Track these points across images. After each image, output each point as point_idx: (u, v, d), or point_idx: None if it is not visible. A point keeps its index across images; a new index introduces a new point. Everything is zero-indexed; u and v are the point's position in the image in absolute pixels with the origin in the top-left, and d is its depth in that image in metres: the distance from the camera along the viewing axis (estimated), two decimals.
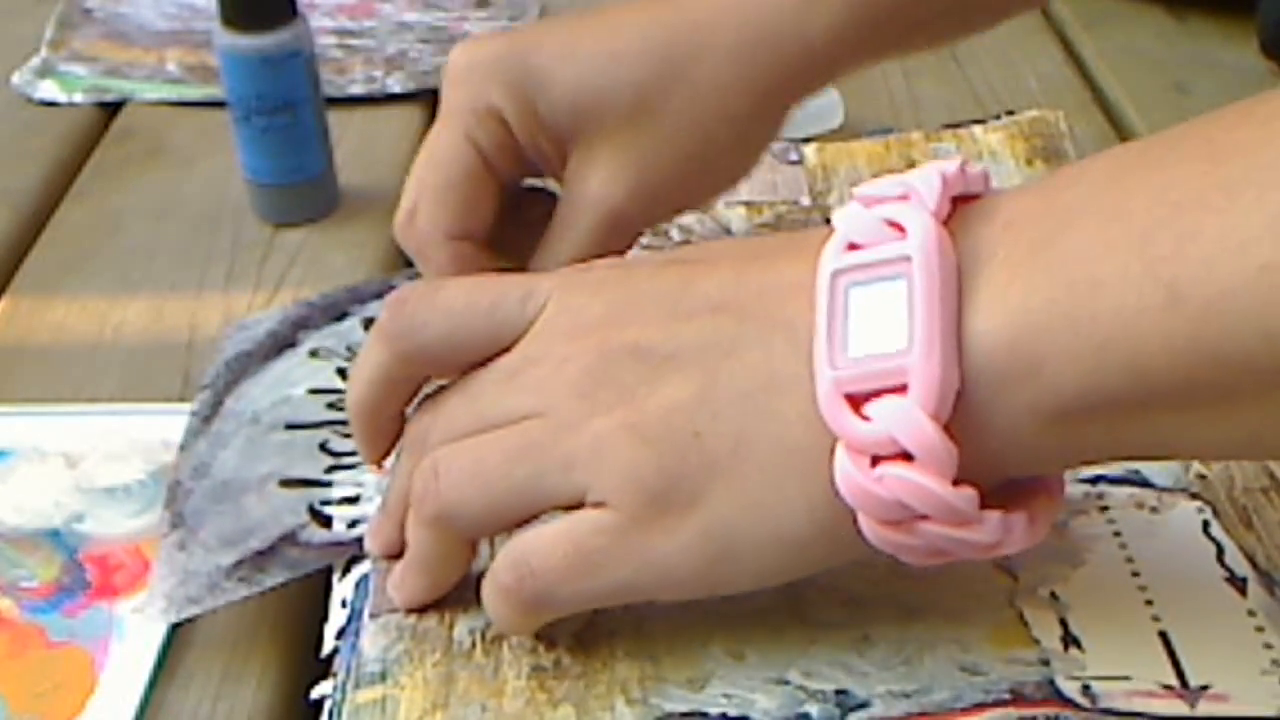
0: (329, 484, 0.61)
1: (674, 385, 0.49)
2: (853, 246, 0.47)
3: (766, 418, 0.47)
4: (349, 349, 0.69)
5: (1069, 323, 0.43)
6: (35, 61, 0.99)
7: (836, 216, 0.48)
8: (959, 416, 0.45)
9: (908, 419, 0.44)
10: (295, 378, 0.67)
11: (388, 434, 0.56)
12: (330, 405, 0.65)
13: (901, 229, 0.46)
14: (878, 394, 0.45)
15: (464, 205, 0.62)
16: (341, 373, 0.67)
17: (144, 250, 0.81)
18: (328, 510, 0.59)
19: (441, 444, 0.52)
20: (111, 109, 0.95)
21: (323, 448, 0.63)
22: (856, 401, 0.45)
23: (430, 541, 0.53)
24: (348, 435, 0.61)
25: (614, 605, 0.51)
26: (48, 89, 0.97)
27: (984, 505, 0.46)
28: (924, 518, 0.46)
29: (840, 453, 0.46)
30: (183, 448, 0.63)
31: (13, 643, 0.57)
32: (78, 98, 0.96)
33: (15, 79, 0.97)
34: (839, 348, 0.46)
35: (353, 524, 0.59)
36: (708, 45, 0.62)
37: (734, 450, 0.48)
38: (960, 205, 0.47)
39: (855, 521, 0.47)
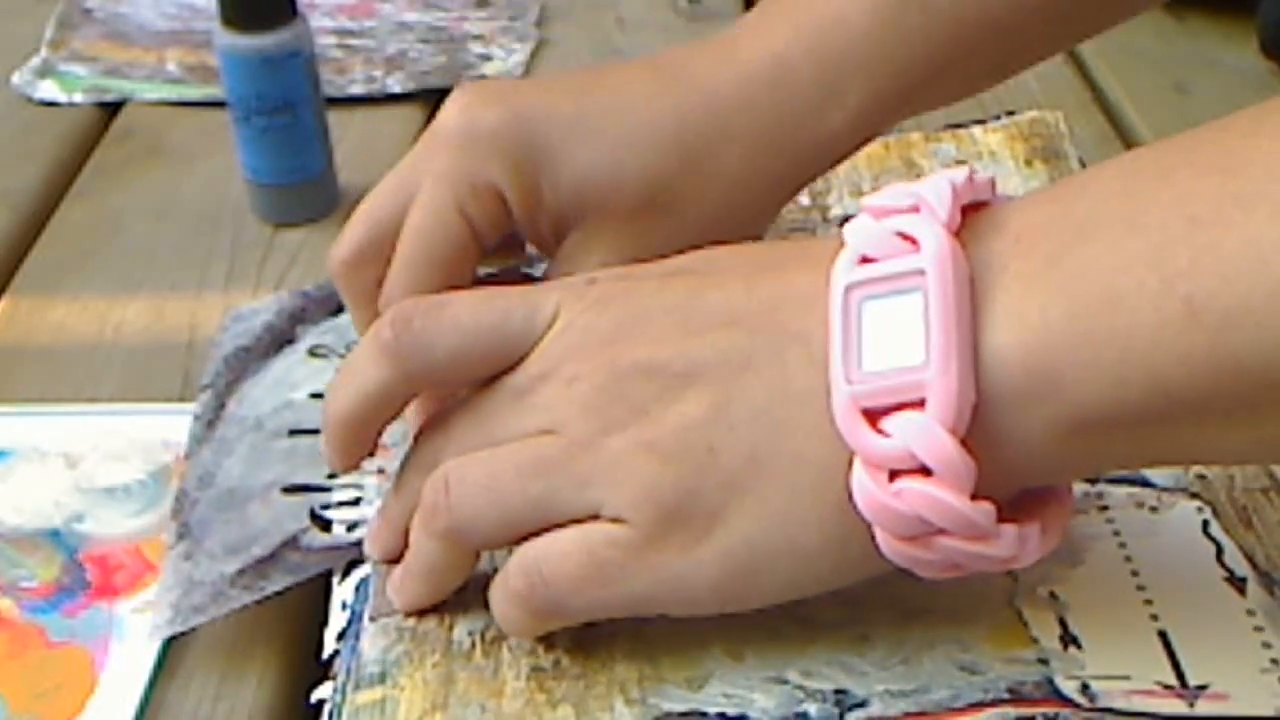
0: (329, 489, 0.61)
1: (688, 402, 0.48)
2: (865, 260, 0.47)
3: (782, 432, 0.47)
4: (348, 347, 0.69)
5: (1087, 338, 0.43)
6: (35, 61, 0.99)
7: (847, 229, 0.48)
8: (976, 431, 0.45)
9: (926, 434, 0.44)
10: (296, 378, 0.67)
11: (366, 446, 0.55)
12: None
13: (914, 241, 0.46)
14: (894, 409, 0.45)
15: (444, 281, 0.58)
16: None
17: (144, 250, 0.81)
18: (328, 514, 0.59)
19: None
20: (111, 109, 0.95)
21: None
22: (873, 416, 0.45)
23: (438, 553, 0.52)
24: None
25: (625, 616, 0.51)
26: (48, 89, 0.97)
27: (999, 518, 0.46)
28: (942, 532, 0.46)
29: (858, 467, 0.46)
30: (187, 455, 0.63)
31: (13, 643, 0.57)
32: (78, 98, 0.96)
33: (15, 79, 0.97)
34: (854, 362, 0.46)
35: (352, 527, 0.59)
36: (724, 136, 0.59)
37: (750, 466, 0.48)
38: (970, 214, 0.47)
39: (870, 536, 0.47)
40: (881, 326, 0.46)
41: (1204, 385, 0.43)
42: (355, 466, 0.56)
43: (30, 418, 0.68)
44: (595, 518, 0.49)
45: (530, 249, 0.64)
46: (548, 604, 0.50)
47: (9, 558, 0.60)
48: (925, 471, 0.45)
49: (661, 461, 0.48)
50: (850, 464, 0.46)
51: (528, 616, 0.51)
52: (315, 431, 0.63)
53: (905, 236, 0.46)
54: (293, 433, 0.64)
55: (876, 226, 0.47)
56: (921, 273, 0.45)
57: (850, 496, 0.46)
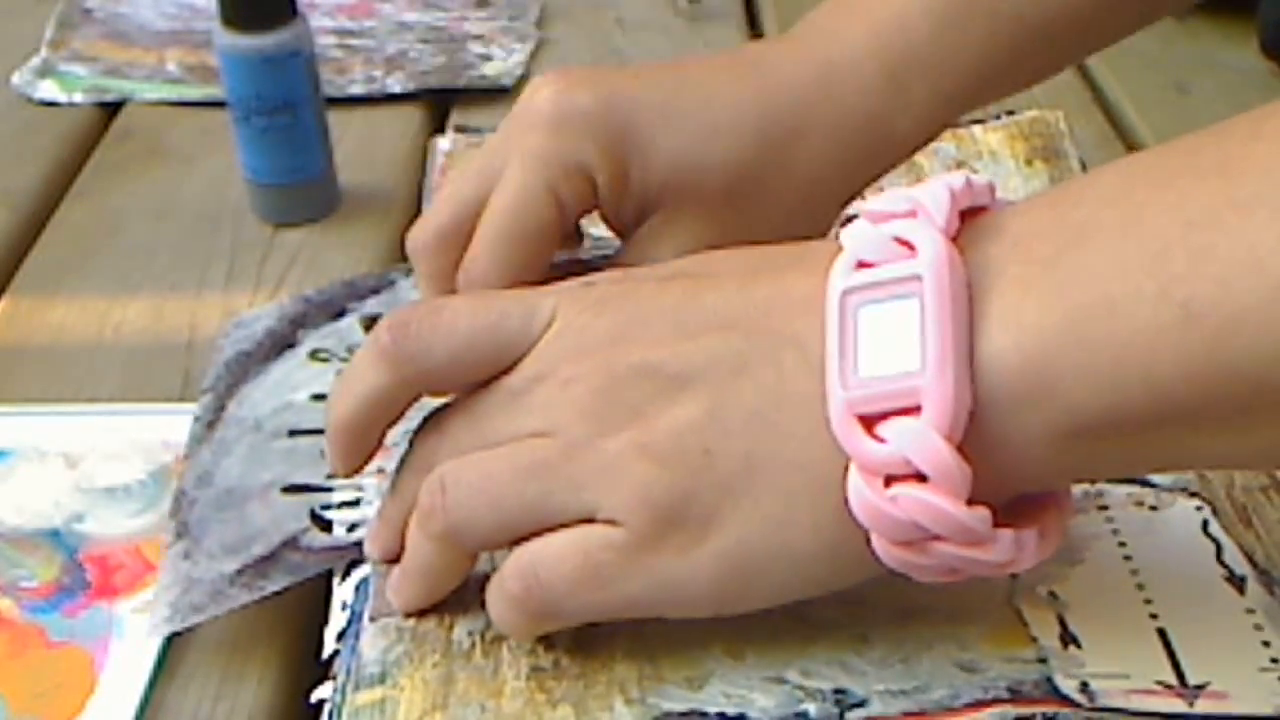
0: (329, 489, 0.61)
1: (684, 404, 0.48)
2: (862, 264, 0.47)
3: (777, 436, 0.47)
4: (349, 350, 0.69)
5: (1083, 343, 0.43)
6: (35, 61, 0.99)
7: (845, 234, 0.48)
8: (972, 436, 0.45)
9: (921, 440, 0.44)
10: (297, 381, 0.67)
11: (368, 450, 0.55)
12: None
13: (911, 246, 0.46)
14: (890, 414, 0.45)
15: (529, 259, 0.59)
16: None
17: (144, 250, 0.81)
18: (328, 515, 0.59)
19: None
20: (111, 109, 0.95)
21: (324, 455, 0.62)
22: (869, 422, 0.45)
23: (434, 554, 0.52)
24: None
25: (621, 618, 0.51)
26: (48, 89, 0.97)
27: (996, 522, 0.46)
28: (938, 538, 0.46)
29: (853, 473, 0.46)
30: (186, 456, 0.63)
31: (13, 643, 0.57)
32: (78, 98, 0.96)
33: (15, 79, 0.98)
34: (850, 368, 0.46)
35: (352, 527, 0.59)
36: (804, 128, 0.60)
37: (745, 469, 0.48)
38: (968, 219, 0.47)
39: (866, 541, 0.47)
40: (878, 332, 0.46)
41: (1201, 390, 0.42)
42: (359, 470, 0.55)
43: (30, 418, 0.68)
44: (591, 520, 0.49)
45: (586, 241, 0.64)
46: (544, 606, 0.50)
47: (9, 558, 0.60)
48: (921, 477, 0.45)
49: (656, 464, 0.48)
50: (846, 469, 0.46)
51: (524, 619, 0.51)
52: (315, 432, 0.63)
53: (903, 241, 0.46)
54: (292, 433, 0.64)
55: (874, 231, 0.47)
56: (918, 278, 0.45)
57: (846, 501, 0.46)
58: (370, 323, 0.70)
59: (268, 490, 0.61)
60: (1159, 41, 1.01)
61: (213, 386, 0.67)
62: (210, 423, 0.64)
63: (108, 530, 0.61)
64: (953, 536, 0.45)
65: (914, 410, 0.45)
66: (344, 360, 0.68)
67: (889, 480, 0.45)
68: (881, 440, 0.45)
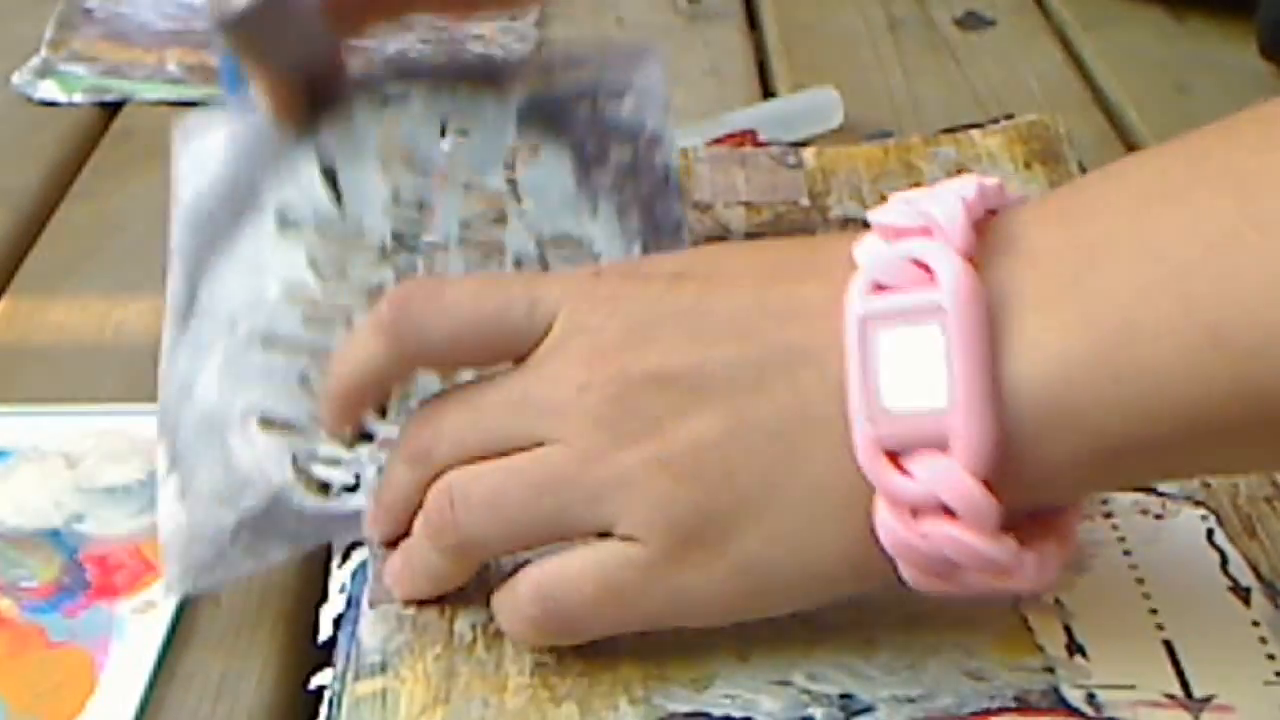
0: (311, 433, 0.59)
1: (702, 419, 0.48)
2: (878, 286, 0.46)
3: (798, 457, 0.47)
4: (316, 213, 0.65)
5: (1109, 370, 0.43)
6: (35, 61, 0.99)
7: (858, 251, 0.47)
8: (999, 467, 0.44)
9: (951, 478, 0.44)
10: (265, 261, 0.64)
11: (361, 414, 0.55)
12: (307, 319, 0.62)
13: (929, 269, 0.45)
14: (917, 447, 0.45)
15: None
16: (313, 264, 0.63)
17: (144, 250, 0.81)
18: (315, 470, 0.58)
19: (449, 462, 0.51)
20: (111, 109, 0.95)
21: (302, 383, 0.60)
22: (894, 453, 0.45)
23: (442, 563, 0.52)
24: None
25: (639, 630, 0.51)
26: (48, 89, 0.96)
27: (1014, 534, 0.46)
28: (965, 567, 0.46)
29: (881, 506, 0.45)
30: (166, 361, 0.62)
31: (13, 643, 0.56)
32: (78, 98, 0.96)
33: (15, 79, 0.97)
34: (874, 398, 0.45)
35: (350, 489, 0.58)
36: None
37: (764, 488, 0.47)
38: (981, 227, 0.46)
39: (891, 564, 0.46)
40: (899, 358, 0.45)
41: (1228, 411, 0.42)
42: (351, 431, 0.56)
43: (30, 418, 0.68)
44: (606, 533, 0.49)
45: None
46: (563, 626, 0.50)
47: (9, 558, 0.60)
48: (948, 510, 0.45)
49: (676, 481, 0.48)
50: (870, 494, 0.46)
51: (541, 638, 0.51)
52: (289, 346, 0.61)
53: (920, 264, 0.45)
54: (265, 344, 0.62)
55: (889, 250, 0.46)
56: (940, 308, 0.44)
57: (870, 526, 0.46)
58: (330, 175, 0.65)
59: (246, 421, 0.59)
60: (1159, 41, 1.01)
61: (179, 248, 0.66)
62: (184, 313, 0.63)
63: (108, 530, 0.61)
64: (980, 568, 0.45)
65: (942, 446, 0.44)
66: (311, 226, 0.64)
67: (916, 511, 0.45)
68: (908, 474, 0.45)
